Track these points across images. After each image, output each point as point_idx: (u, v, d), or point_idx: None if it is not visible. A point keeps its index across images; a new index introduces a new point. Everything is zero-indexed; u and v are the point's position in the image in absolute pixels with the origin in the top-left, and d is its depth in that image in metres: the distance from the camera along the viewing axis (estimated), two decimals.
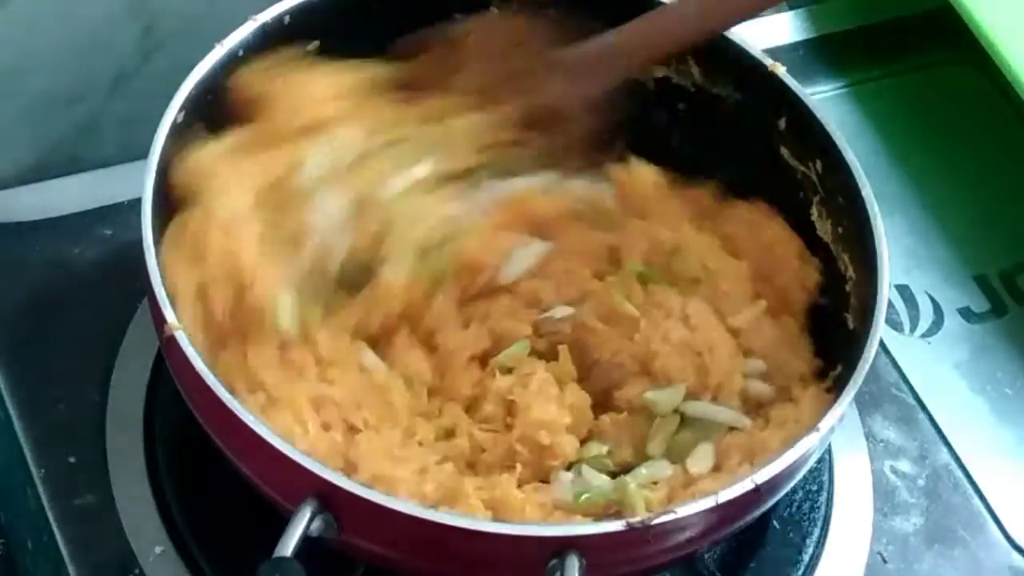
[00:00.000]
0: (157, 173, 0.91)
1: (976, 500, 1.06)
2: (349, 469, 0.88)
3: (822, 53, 1.31)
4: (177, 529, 0.95)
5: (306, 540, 0.80)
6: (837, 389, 0.90)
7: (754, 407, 0.97)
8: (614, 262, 1.02)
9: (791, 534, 1.01)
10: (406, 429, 0.92)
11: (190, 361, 0.84)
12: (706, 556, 0.97)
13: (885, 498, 1.05)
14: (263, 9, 0.99)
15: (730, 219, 1.04)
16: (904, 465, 1.07)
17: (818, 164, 1.01)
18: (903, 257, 1.19)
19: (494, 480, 0.90)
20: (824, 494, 1.03)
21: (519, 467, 0.92)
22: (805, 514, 1.02)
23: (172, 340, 0.86)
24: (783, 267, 1.01)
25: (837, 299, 0.98)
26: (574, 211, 1.02)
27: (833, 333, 0.97)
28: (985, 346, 1.15)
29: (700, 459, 0.94)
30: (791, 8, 1.34)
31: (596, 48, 1.00)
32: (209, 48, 0.97)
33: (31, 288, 1.06)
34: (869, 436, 1.08)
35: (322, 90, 0.98)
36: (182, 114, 0.93)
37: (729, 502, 0.83)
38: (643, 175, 1.04)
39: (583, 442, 0.95)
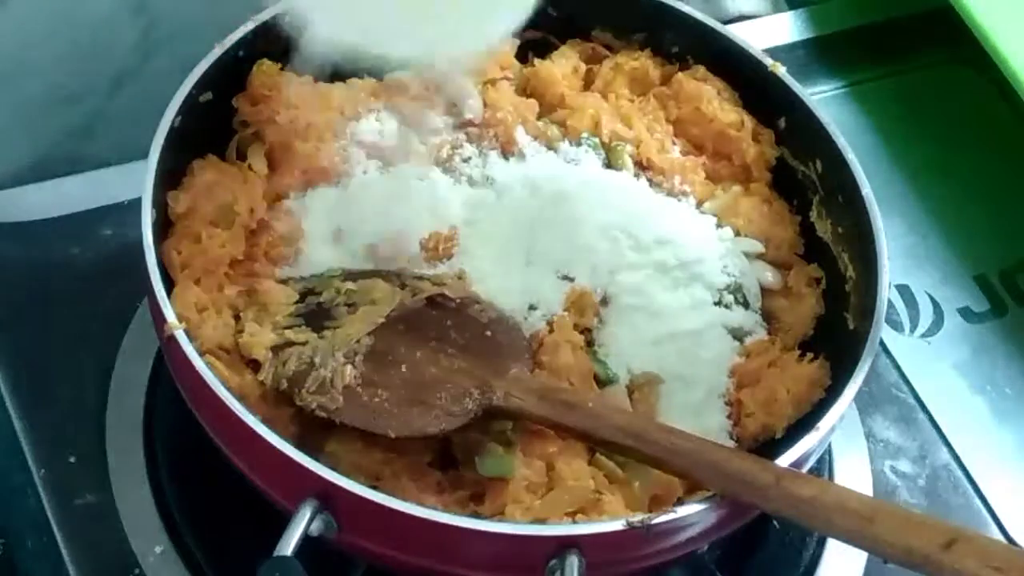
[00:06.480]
0: (157, 173, 0.91)
1: (976, 500, 1.06)
2: None
3: (822, 53, 1.31)
4: (177, 529, 0.95)
5: (306, 540, 0.80)
6: (837, 389, 0.90)
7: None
8: None
9: (791, 534, 1.01)
10: None
11: (190, 361, 0.84)
12: (706, 556, 0.97)
13: (885, 498, 1.05)
14: (263, 9, 0.99)
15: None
16: (904, 465, 1.07)
17: (818, 164, 1.01)
18: (903, 257, 1.19)
19: None
20: None
21: None
22: None
23: (172, 340, 0.86)
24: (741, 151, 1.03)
25: (837, 299, 0.97)
26: None
27: (833, 333, 0.97)
28: (985, 346, 1.15)
29: None
30: (791, 8, 1.34)
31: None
32: (209, 48, 0.97)
33: (31, 288, 1.06)
34: (869, 436, 1.08)
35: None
36: (181, 115, 0.93)
37: (729, 501, 0.83)
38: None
39: None
